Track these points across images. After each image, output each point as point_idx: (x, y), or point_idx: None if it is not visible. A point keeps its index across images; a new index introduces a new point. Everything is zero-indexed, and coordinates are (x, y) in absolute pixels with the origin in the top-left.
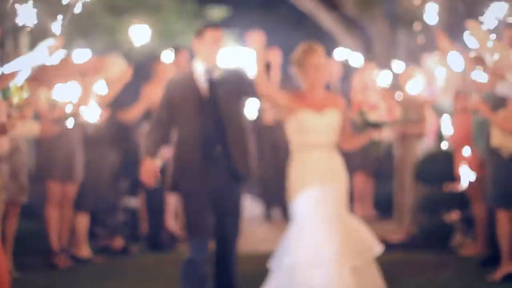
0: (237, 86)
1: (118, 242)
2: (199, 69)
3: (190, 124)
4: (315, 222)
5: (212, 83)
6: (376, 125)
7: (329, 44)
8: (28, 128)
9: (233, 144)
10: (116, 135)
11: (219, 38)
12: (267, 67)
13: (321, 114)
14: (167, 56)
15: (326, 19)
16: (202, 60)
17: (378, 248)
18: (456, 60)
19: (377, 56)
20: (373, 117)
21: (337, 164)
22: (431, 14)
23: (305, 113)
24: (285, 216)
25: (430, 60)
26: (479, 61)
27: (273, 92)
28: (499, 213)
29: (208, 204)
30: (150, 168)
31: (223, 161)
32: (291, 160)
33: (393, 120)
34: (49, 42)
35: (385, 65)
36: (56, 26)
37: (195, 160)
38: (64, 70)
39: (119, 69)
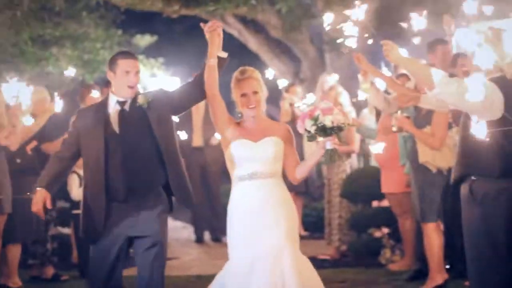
0: (162, 111)
1: (49, 271)
2: (112, 102)
3: (95, 163)
4: (252, 260)
5: (125, 117)
6: (334, 129)
7: (259, 67)
8: None
9: (173, 175)
10: (43, 166)
11: (132, 67)
12: (222, 61)
13: (257, 143)
14: (95, 91)
15: (252, 42)
16: (115, 91)
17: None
18: (378, 81)
19: (305, 78)
20: (329, 120)
21: (278, 193)
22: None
23: (241, 142)
24: (216, 239)
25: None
26: (405, 78)
27: (218, 98)
28: (426, 227)
29: (116, 258)
30: (40, 200)
31: (136, 201)
32: (231, 192)
33: (348, 123)
34: None
35: (313, 86)
36: None
37: (100, 205)
38: None
39: (41, 100)
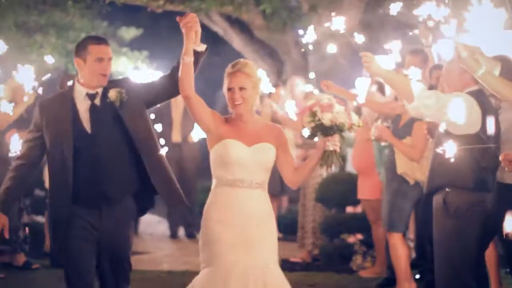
0: (135, 106)
1: (20, 258)
2: (80, 94)
3: (61, 166)
4: (230, 275)
5: (96, 113)
6: (333, 128)
7: None
8: None
9: (154, 174)
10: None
11: (105, 53)
12: (199, 55)
13: (252, 149)
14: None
15: (237, 41)
16: (84, 80)
17: None
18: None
19: (287, 80)
20: (328, 118)
21: (264, 207)
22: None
23: (232, 144)
24: (190, 236)
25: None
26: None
27: (194, 98)
28: (392, 237)
29: (90, 267)
30: None
31: (109, 208)
32: (211, 194)
33: (350, 125)
34: None
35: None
36: None
37: (64, 213)
38: None
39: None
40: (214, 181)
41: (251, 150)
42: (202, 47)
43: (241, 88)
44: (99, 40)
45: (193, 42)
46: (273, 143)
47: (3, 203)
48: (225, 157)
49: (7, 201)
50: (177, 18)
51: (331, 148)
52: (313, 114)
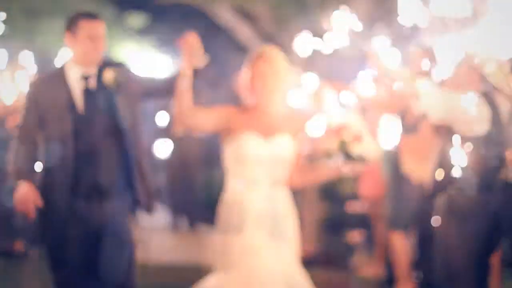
0: (131, 94)
1: (19, 246)
2: (73, 74)
3: (60, 151)
4: (250, 281)
5: (90, 95)
6: (357, 159)
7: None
8: None
9: (137, 173)
10: None
11: (98, 31)
12: (195, 73)
13: (268, 141)
14: None
15: (242, 32)
16: (76, 61)
17: None
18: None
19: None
20: (357, 150)
21: (284, 206)
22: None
23: (248, 137)
24: (192, 226)
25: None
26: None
27: (195, 123)
28: (393, 235)
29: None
30: (31, 198)
31: (101, 199)
32: (225, 194)
33: (374, 157)
34: None
35: (299, 83)
36: None
37: (63, 200)
38: None
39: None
40: (229, 179)
41: (267, 144)
42: (203, 62)
43: (262, 76)
44: (92, 16)
45: (193, 65)
46: (291, 134)
47: (25, 171)
48: (241, 153)
49: (34, 170)
50: (176, 42)
51: (349, 174)
52: (342, 144)
